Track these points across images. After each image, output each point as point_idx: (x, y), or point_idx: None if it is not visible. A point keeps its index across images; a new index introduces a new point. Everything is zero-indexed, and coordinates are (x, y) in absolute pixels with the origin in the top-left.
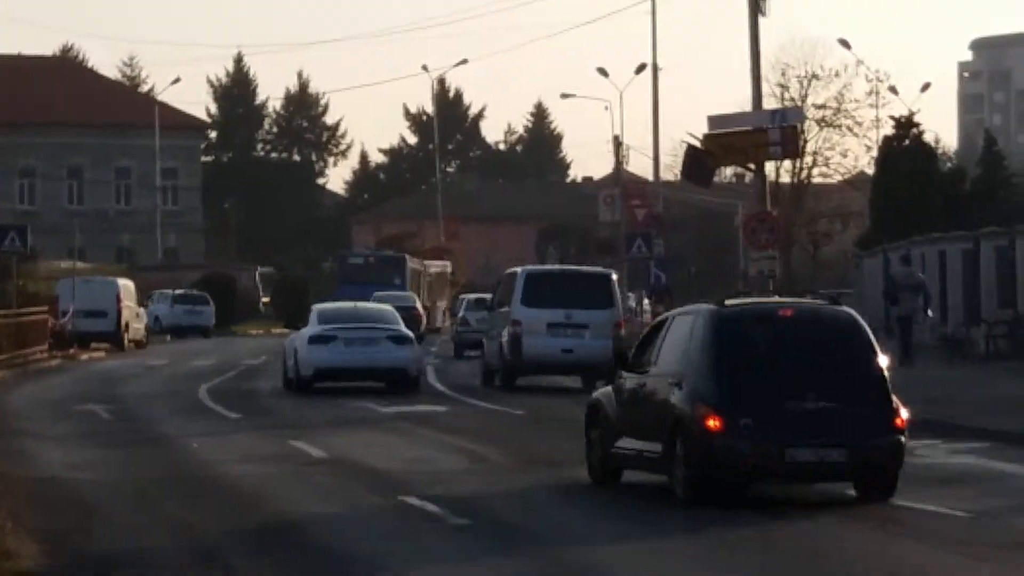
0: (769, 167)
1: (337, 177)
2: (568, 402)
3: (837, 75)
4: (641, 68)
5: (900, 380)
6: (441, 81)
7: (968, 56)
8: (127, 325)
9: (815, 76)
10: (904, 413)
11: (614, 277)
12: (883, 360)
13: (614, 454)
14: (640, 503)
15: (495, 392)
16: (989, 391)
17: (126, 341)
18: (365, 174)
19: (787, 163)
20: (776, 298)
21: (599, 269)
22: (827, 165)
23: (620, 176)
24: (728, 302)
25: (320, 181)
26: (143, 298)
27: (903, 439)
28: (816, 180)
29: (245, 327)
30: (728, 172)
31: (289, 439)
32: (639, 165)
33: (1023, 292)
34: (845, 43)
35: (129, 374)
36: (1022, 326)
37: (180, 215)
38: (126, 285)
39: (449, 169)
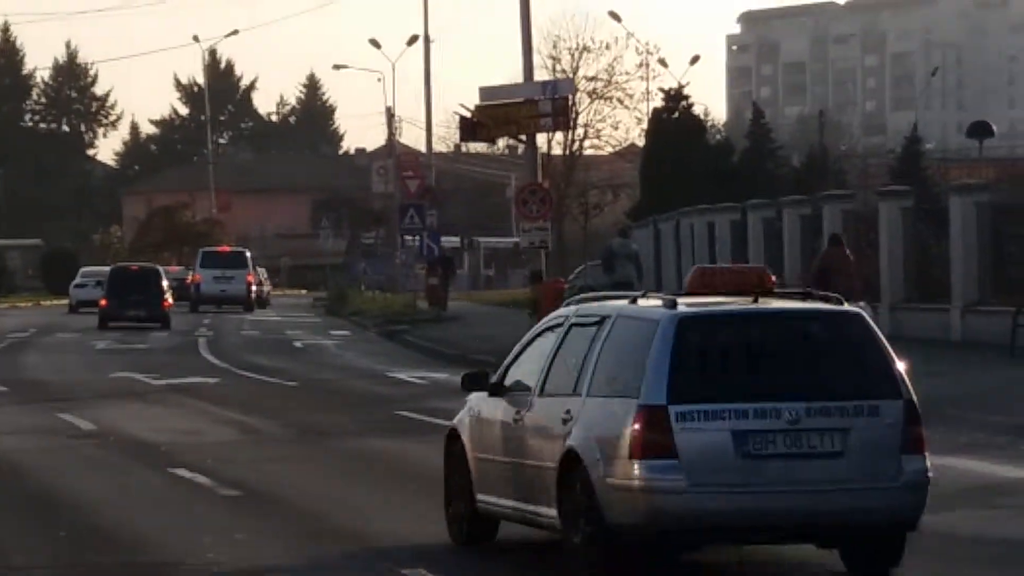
0: (541, 139)
1: (107, 148)
2: (341, 375)
3: (608, 47)
4: (413, 40)
5: None
6: (212, 52)
7: (736, 29)
8: None
9: (586, 48)
10: (169, 300)
11: (248, 254)
12: (169, 300)
13: None
14: (414, 478)
15: (266, 364)
16: None
17: None
18: (136, 145)
19: (559, 135)
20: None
21: (241, 249)
22: (598, 137)
23: (393, 148)
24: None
25: (90, 152)
26: None
27: (168, 314)
28: (588, 152)
29: (12, 300)
30: (501, 144)
31: (57, 411)
32: (412, 137)
33: (790, 262)
34: (615, 16)
35: None
36: None
37: None
38: None
39: (221, 141)
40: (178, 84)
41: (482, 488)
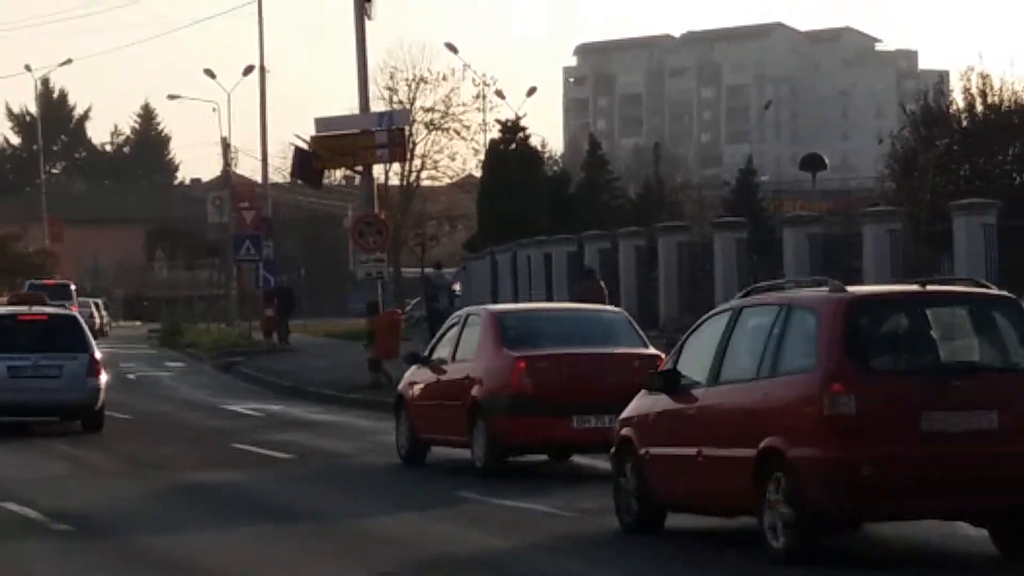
0: (377, 170)
1: None
2: (175, 408)
3: (445, 79)
4: (249, 70)
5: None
6: (45, 81)
7: (573, 62)
8: None
9: (423, 80)
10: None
11: (72, 286)
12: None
13: None
14: (249, 511)
15: None
16: None
17: None
18: None
19: (396, 166)
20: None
21: (65, 282)
22: (435, 168)
23: (229, 178)
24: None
25: None
26: None
27: None
28: (425, 183)
29: None
30: (338, 174)
31: None
32: (248, 167)
33: (626, 294)
34: (452, 47)
35: None
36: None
37: None
38: None
39: (55, 171)
40: (10, 114)
41: None
